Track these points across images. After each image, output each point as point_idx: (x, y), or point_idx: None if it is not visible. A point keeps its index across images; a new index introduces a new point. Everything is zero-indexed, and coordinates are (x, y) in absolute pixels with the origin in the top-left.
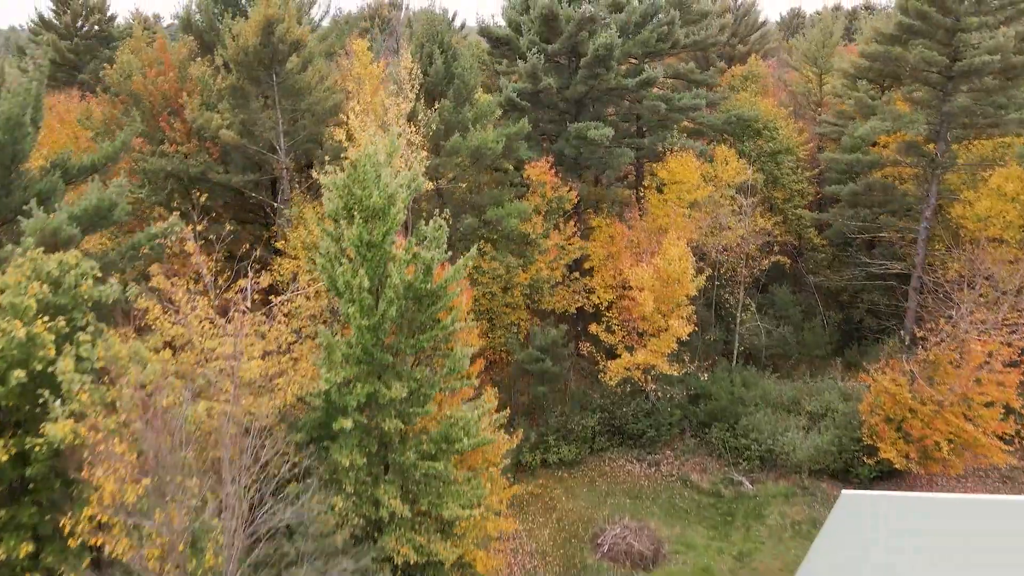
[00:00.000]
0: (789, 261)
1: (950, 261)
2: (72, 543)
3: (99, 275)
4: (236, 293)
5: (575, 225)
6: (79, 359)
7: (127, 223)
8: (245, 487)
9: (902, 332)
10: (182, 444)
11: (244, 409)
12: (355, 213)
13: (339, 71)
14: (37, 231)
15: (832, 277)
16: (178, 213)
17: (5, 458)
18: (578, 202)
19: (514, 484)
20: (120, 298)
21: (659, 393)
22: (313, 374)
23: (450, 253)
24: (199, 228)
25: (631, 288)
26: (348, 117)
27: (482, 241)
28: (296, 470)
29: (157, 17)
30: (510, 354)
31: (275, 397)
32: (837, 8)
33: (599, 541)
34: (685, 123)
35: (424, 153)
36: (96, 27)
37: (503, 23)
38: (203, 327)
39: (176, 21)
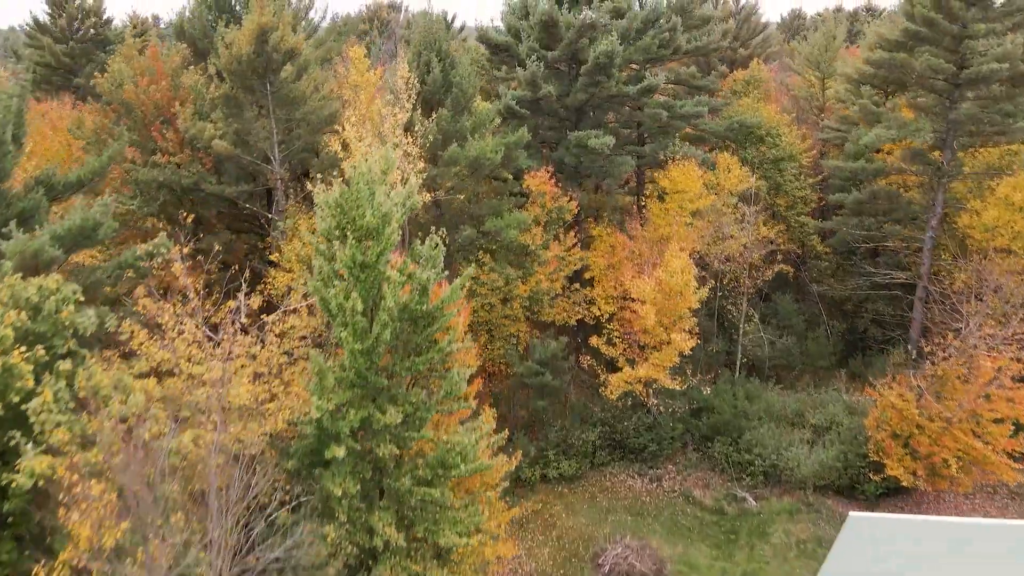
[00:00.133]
0: (792, 270)
1: (956, 271)
2: None
3: (81, 299)
4: (226, 314)
5: (575, 235)
6: (56, 397)
7: (119, 234)
8: (234, 519)
9: (908, 344)
10: (165, 476)
11: (233, 436)
12: (348, 233)
13: (336, 78)
14: (17, 253)
15: (836, 286)
16: (165, 233)
17: None
18: (578, 211)
19: (513, 506)
20: (98, 330)
21: (661, 408)
22: (305, 398)
23: (447, 273)
24: (186, 249)
25: (632, 300)
26: (344, 127)
27: (481, 252)
28: (287, 498)
29: (156, 18)
30: (509, 366)
31: (265, 423)
32: (838, 10)
33: (600, 561)
34: (687, 129)
35: (421, 164)
36: (92, 30)
37: (502, 27)
38: (190, 351)
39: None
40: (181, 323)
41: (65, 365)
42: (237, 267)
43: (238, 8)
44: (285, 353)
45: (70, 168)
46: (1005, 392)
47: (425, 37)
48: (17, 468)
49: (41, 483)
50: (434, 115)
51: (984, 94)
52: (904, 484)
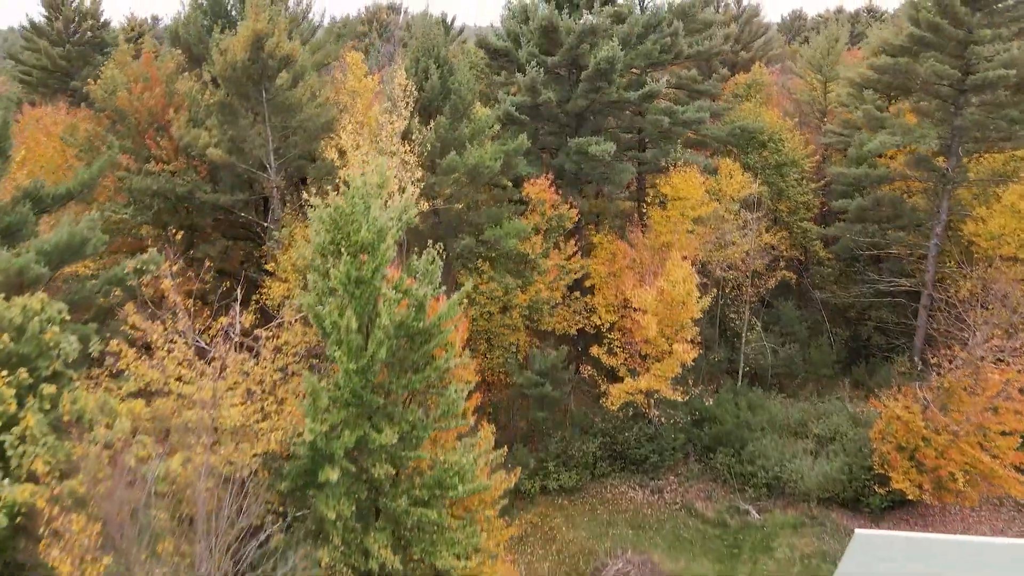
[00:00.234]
0: (794, 276)
1: (962, 279)
2: None
3: (67, 318)
4: (218, 330)
5: (575, 243)
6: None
7: (112, 243)
8: (225, 546)
9: (911, 352)
10: (152, 503)
11: (224, 458)
12: (342, 248)
13: (333, 84)
14: (1, 271)
15: (839, 293)
16: (155, 249)
17: None
18: (579, 218)
19: (512, 518)
20: (81, 355)
21: (662, 418)
22: (298, 418)
23: (444, 288)
24: (175, 268)
25: (634, 308)
26: (340, 135)
27: (480, 260)
28: (281, 521)
29: (155, 19)
30: (508, 375)
31: (257, 445)
32: (839, 11)
33: None
34: (688, 134)
35: (419, 173)
36: (89, 33)
37: (502, 30)
38: (180, 371)
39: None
40: (171, 341)
41: (49, 388)
42: (232, 277)
43: (234, 13)
44: (279, 369)
45: (60, 179)
46: (1013, 404)
47: (423, 43)
48: None
49: (22, 514)
50: (432, 122)
51: (989, 100)
52: (910, 497)
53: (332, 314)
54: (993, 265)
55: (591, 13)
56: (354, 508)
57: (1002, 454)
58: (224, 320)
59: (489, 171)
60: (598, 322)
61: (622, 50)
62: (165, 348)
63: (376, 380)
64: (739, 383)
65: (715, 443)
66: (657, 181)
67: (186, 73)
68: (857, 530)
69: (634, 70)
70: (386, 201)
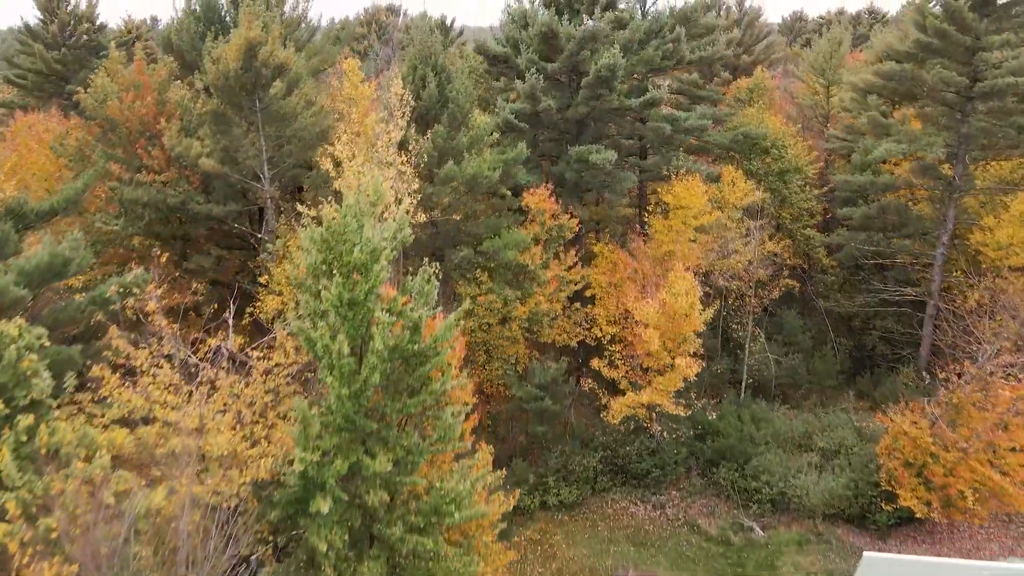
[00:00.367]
0: (797, 284)
1: (968, 290)
2: None
3: (46, 344)
4: (207, 352)
5: (576, 253)
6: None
7: (103, 255)
8: None
9: (917, 363)
10: (133, 540)
11: (210, 488)
12: (335, 269)
13: (329, 92)
14: None
15: (843, 302)
16: (141, 268)
17: None
18: (579, 227)
19: (510, 544)
20: (46, 401)
21: (664, 433)
22: (289, 445)
23: (440, 308)
24: (160, 292)
25: (635, 321)
26: (335, 144)
27: (478, 270)
28: (271, 552)
29: (155, 20)
30: (508, 387)
31: (246, 472)
32: (841, 12)
33: None
34: (691, 140)
35: (416, 185)
36: (85, 36)
37: (501, 35)
38: (165, 396)
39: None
40: (157, 365)
41: (26, 419)
42: (227, 287)
43: (228, 19)
44: (270, 391)
45: (51, 188)
46: (1023, 420)
47: (420, 51)
48: None
49: None
50: (430, 132)
51: (997, 107)
52: (917, 515)
53: (324, 337)
54: (1001, 275)
55: (592, 19)
56: (347, 537)
57: (1012, 471)
58: (214, 341)
59: (488, 181)
60: (599, 334)
61: (623, 56)
62: (150, 373)
63: (370, 404)
64: (742, 395)
65: (718, 457)
66: (659, 189)
67: (178, 81)
68: (866, 553)
69: (635, 76)
70: (382, 213)
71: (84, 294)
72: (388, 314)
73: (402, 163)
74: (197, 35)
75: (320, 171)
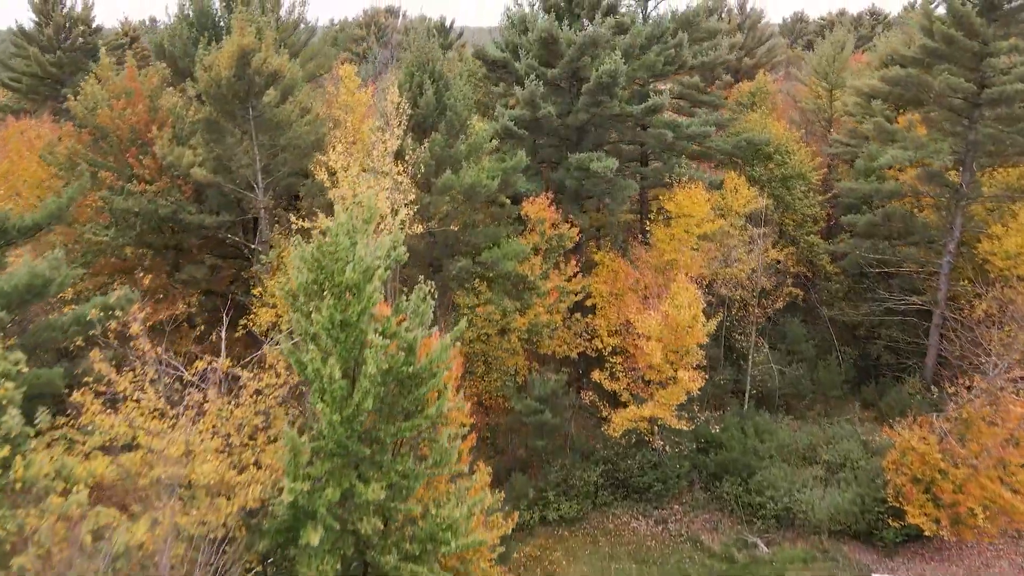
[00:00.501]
0: (801, 292)
1: (976, 299)
2: None
3: (24, 370)
4: (194, 375)
5: (576, 262)
6: None
7: (94, 265)
8: None
9: (923, 373)
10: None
11: (196, 519)
12: (326, 289)
13: (325, 98)
14: None
15: (847, 310)
16: (127, 287)
17: None
18: (579, 235)
19: (508, 567)
20: (23, 431)
21: (667, 447)
22: (279, 472)
23: (437, 328)
24: (147, 313)
25: (637, 332)
26: (330, 154)
27: (477, 280)
28: None
29: (153, 21)
30: (507, 399)
31: (234, 502)
32: (842, 13)
33: None
34: (693, 147)
35: (412, 196)
36: (81, 39)
37: (500, 40)
38: (149, 423)
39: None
40: (141, 390)
41: (2, 450)
42: (221, 297)
43: (221, 24)
44: (259, 413)
45: (42, 195)
46: None
47: (418, 57)
48: None
49: None
50: (427, 140)
51: (1005, 114)
52: (926, 533)
53: (315, 361)
54: (1009, 285)
55: (592, 24)
56: (339, 566)
57: (1023, 489)
58: (202, 364)
59: (486, 190)
60: (600, 346)
61: (624, 62)
62: (134, 397)
63: (363, 428)
64: (745, 405)
65: (721, 471)
66: (661, 196)
67: (171, 88)
68: (874, 575)
69: (637, 82)
70: (377, 226)
71: (75, 306)
72: (382, 336)
73: (398, 173)
74: (190, 41)
75: (316, 180)
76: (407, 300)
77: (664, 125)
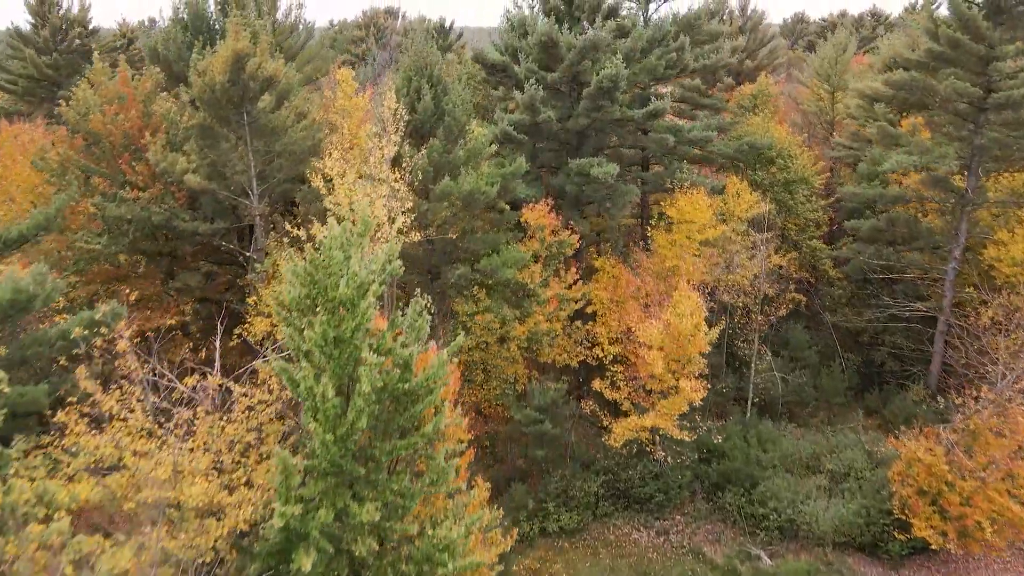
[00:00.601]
0: (804, 298)
1: (981, 306)
2: None
3: (6, 389)
4: (183, 394)
5: (577, 268)
6: None
7: (87, 273)
8: None
9: (927, 380)
10: None
11: (185, 543)
12: (319, 305)
13: (322, 103)
14: None
15: (851, 316)
16: (115, 301)
17: None
18: (580, 241)
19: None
20: (4, 454)
21: (668, 458)
22: (270, 492)
23: (435, 340)
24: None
25: (638, 340)
26: (325, 160)
27: (476, 287)
28: None
29: (152, 22)
30: (506, 408)
31: (224, 524)
32: (843, 15)
33: None
34: (694, 151)
35: (410, 203)
36: (77, 41)
37: (500, 43)
38: (137, 443)
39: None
40: (129, 409)
41: None
42: (216, 304)
43: (216, 28)
44: (251, 429)
45: (35, 200)
46: None
47: (416, 61)
48: None
49: None
50: (425, 146)
51: (1012, 118)
52: (932, 546)
53: (308, 379)
54: (1016, 292)
55: (593, 27)
56: None
57: None
58: (191, 381)
59: (485, 196)
60: (600, 354)
61: (625, 66)
62: (121, 416)
63: (357, 446)
64: (748, 414)
65: (724, 481)
66: (662, 202)
67: (164, 93)
68: None
69: (638, 86)
70: (374, 234)
71: (66, 315)
72: (376, 353)
73: (395, 179)
74: (184, 45)
75: (312, 186)
76: (403, 315)
77: (665, 129)
